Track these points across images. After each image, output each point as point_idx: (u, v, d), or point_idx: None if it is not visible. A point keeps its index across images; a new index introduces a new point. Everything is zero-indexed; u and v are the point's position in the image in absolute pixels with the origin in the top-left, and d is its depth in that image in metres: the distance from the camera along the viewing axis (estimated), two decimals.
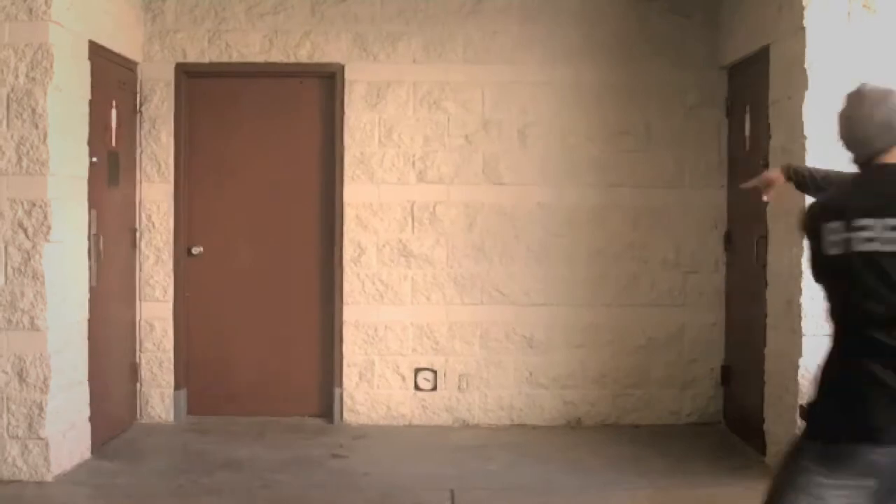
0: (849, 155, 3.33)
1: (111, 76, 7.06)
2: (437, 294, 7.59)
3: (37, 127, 5.94)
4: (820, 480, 3.10)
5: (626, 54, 7.61)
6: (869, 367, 3.07)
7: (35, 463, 5.99)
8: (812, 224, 3.26)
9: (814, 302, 6.00)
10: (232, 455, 6.70)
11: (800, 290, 6.02)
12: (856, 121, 3.29)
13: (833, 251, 3.18)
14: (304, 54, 7.58)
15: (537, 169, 7.60)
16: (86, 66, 6.51)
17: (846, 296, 3.21)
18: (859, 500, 3.08)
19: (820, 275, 3.36)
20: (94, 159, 6.63)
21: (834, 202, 3.33)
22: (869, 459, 3.04)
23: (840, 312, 3.26)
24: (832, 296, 3.31)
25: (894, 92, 3.22)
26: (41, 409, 5.97)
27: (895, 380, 3.02)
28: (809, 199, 5.54)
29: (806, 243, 3.35)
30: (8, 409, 5.98)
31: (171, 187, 7.58)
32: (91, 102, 6.60)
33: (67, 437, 6.22)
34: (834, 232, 3.15)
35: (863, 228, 3.09)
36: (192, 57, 7.56)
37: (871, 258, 3.08)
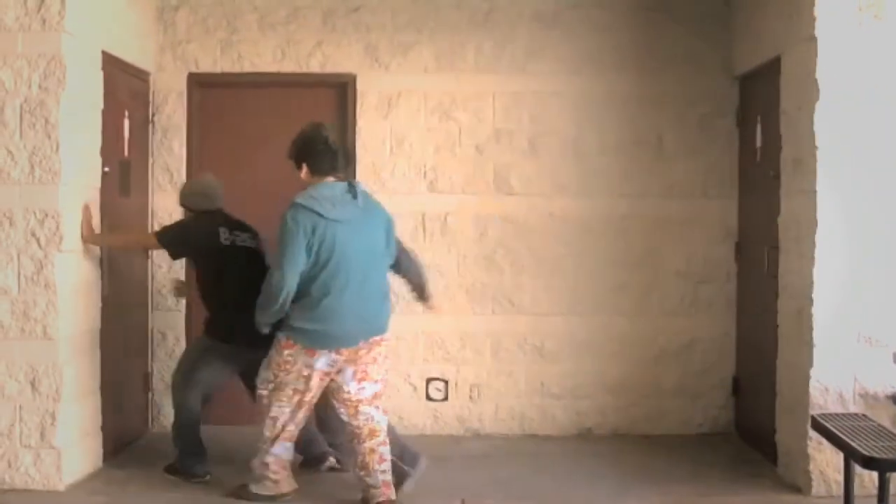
0: (200, 205, 6.33)
1: (123, 86, 7.09)
2: (449, 304, 7.58)
3: (49, 137, 5.96)
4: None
5: (637, 64, 7.61)
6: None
7: (47, 472, 6.01)
8: (213, 230, 6.15)
9: (825, 312, 6.01)
10: (243, 464, 6.69)
11: (810, 301, 6.01)
12: (208, 191, 6.40)
13: (226, 243, 6.15)
14: (315, 64, 7.60)
15: (548, 179, 7.61)
16: (98, 76, 6.54)
17: (230, 269, 6.13)
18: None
19: (215, 258, 6.15)
20: (107, 169, 6.65)
21: (218, 222, 6.25)
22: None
23: (227, 283, 6.14)
24: (221, 271, 6.14)
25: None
26: (53, 418, 5.99)
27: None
28: (821, 211, 5.57)
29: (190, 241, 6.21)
30: (21, 418, 6.00)
31: None
32: (103, 112, 6.63)
33: (80, 447, 6.24)
34: (225, 233, 6.18)
35: (237, 235, 6.24)
36: (205, 67, 7.60)
37: (242, 249, 6.22)
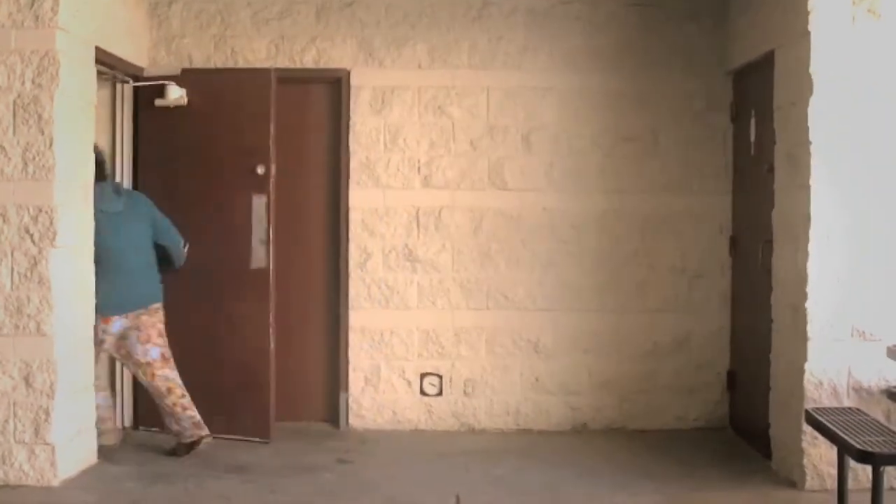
0: None
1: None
2: (443, 299, 7.60)
3: (43, 133, 5.96)
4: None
5: (631, 59, 7.61)
6: None
7: (41, 468, 6.01)
8: None
9: (819, 307, 6.02)
10: (238, 460, 6.70)
11: (805, 296, 6.02)
12: None
13: None
14: (309, 60, 7.60)
15: (543, 174, 7.61)
16: (92, 72, 6.53)
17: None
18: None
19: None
20: None
21: None
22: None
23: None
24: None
25: None
26: (48, 414, 5.99)
27: None
28: (815, 206, 5.60)
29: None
30: (15, 414, 6.00)
31: None
32: (97, 108, 6.62)
33: (74, 443, 6.24)
34: None
35: None
36: (198, 62, 7.57)
37: None
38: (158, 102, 7.26)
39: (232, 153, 7.21)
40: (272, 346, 7.17)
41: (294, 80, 7.62)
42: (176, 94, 7.22)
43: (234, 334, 7.23)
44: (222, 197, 7.25)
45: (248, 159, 7.11)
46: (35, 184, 5.96)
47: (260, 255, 7.19)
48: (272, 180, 7.15)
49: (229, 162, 7.22)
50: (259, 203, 7.16)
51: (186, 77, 7.34)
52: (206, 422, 6.87)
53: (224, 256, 7.25)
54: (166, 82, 7.25)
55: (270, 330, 7.17)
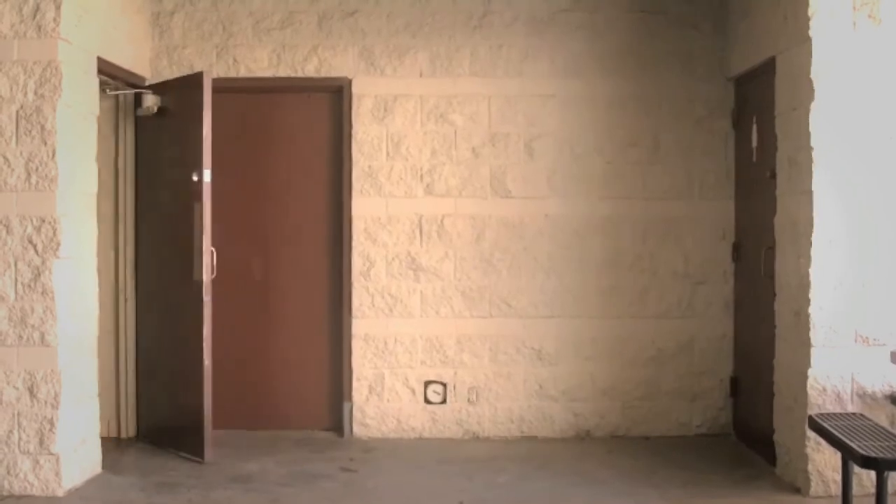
0: None
1: None
2: (446, 307, 7.60)
3: (45, 143, 5.97)
4: None
5: (633, 66, 7.62)
6: None
7: (46, 478, 6.01)
8: None
9: (822, 312, 6.02)
10: (242, 469, 6.70)
11: (808, 301, 6.02)
12: None
13: None
14: (311, 69, 7.61)
15: (545, 181, 7.61)
16: (94, 83, 6.55)
17: None
18: None
19: None
20: None
21: None
22: None
23: None
24: None
25: None
26: (52, 424, 6.00)
27: None
28: (817, 212, 5.62)
29: None
30: (19, 424, 6.00)
31: None
32: (100, 118, 6.64)
33: (78, 452, 6.24)
34: None
35: None
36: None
37: None
38: (138, 112, 7.35)
39: (177, 161, 7.08)
40: (207, 362, 6.84)
41: (296, 88, 7.65)
42: (148, 103, 7.25)
43: (181, 348, 7.07)
44: (174, 206, 7.14)
45: (188, 167, 6.91)
46: (38, 194, 5.98)
47: (199, 266, 6.87)
48: (205, 187, 6.81)
49: (174, 170, 7.11)
50: (197, 211, 6.87)
51: (160, 87, 7.36)
52: (161, 435, 6.87)
53: (174, 267, 7.12)
54: (143, 91, 7.28)
55: (204, 345, 6.84)
